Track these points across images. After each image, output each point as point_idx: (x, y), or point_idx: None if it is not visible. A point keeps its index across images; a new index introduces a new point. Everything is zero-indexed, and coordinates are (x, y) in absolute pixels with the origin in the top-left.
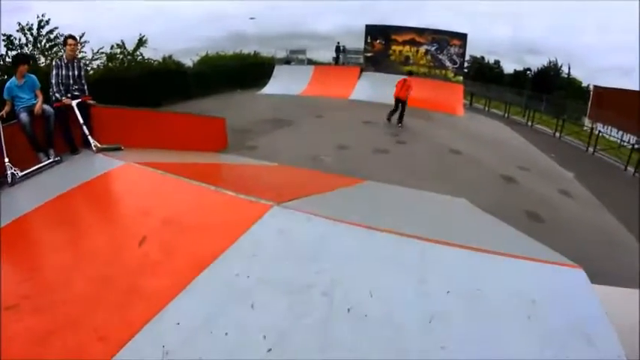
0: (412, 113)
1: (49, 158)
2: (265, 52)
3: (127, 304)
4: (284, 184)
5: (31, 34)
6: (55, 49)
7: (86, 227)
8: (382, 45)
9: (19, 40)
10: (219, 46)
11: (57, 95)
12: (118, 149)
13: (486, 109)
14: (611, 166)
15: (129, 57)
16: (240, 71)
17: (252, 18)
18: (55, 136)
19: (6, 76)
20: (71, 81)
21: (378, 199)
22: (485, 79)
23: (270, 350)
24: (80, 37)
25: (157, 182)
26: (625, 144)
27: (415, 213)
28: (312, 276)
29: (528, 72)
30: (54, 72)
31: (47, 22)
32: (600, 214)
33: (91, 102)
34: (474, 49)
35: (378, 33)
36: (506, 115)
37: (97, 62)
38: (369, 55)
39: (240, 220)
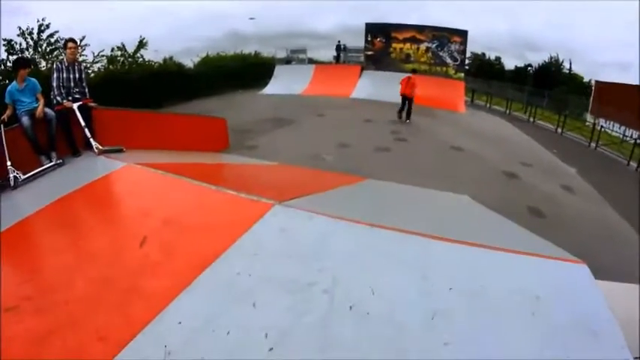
0: (414, 111)
1: (51, 161)
2: (266, 52)
3: (128, 304)
4: (285, 183)
5: (32, 39)
6: (55, 53)
7: (88, 229)
8: (383, 43)
9: (20, 44)
10: (220, 46)
11: (58, 98)
12: (120, 151)
13: (488, 105)
14: (614, 161)
15: (130, 59)
16: (241, 71)
17: (251, 18)
18: (56, 139)
19: (7, 81)
20: (72, 84)
21: (379, 197)
22: (486, 76)
23: (271, 349)
24: (80, 41)
25: (159, 183)
26: (627, 139)
27: (417, 210)
28: (314, 274)
29: (529, 68)
30: (55, 75)
31: (47, 26)
32: (603, 210)
33: (92, 104)
34: (474, 45)
35: (378, 31)
36: (507, 111)
37: (98, 65)
38: (369, 53)
39: (242, 219)
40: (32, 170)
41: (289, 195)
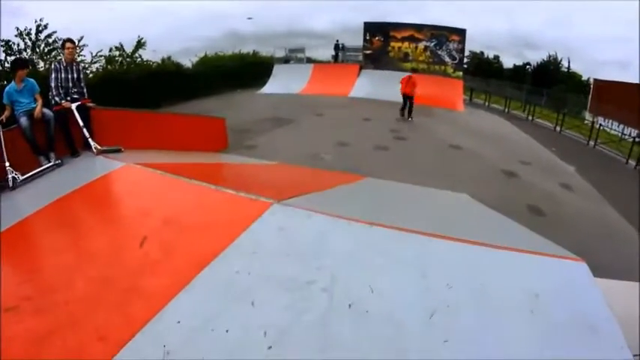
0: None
1: (49, 161)
2: (264, 51)
3: (127, 303)
4: (284, 182)
5: (30, 39)
6: (53, 53)
7: (87, 229)
8: (381, 42)
9: (18, 45)
10: (218, 46)
11: (56, 99)
12: (118, 151)
13: (486, 104)
14: (612, 159)
15: (128, 59)
16: (240, 71)
17: (249, 18)
18: (55, 140)
19: (5, 81)
20: (70, 84)
21: (378, 195)
22: (484, 75)
23: (270, 347)
24: (79, 41)
25: (157, 182)
26: (626, 137)
27: (416, 209)
28: (313, 272)
29: (528, 66)
30: (53, 75)
31: (45, 26)
32: (602, 208)
33: (91, 104)
34: (473, 44)
35: (376, 30)
36: (506, 109)
37: (96, 65)
38: (368, 52)
39: (240, 218)
40: (31, 171)
41: (288, 194)
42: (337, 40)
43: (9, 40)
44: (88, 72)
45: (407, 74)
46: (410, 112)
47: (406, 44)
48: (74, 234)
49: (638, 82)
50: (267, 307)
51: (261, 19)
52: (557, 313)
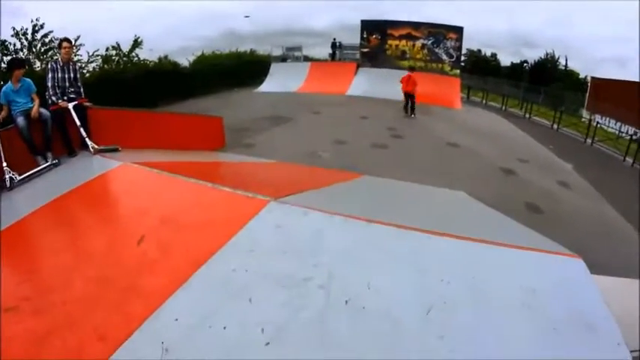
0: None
1: (46, 161)
2: (261, 49)
3: (125, 302)
4: (281, 180)
5: (26, 39)
6: (50, 53)
7: (85, 228)
8: (378, 40)
9: (14, 45)
10: (215, 44)
11: (53, 98)
12: (116, 150)
13: (484, 102)
14: (610, 157)
15: (124, 58)
16: (237, 70)
17: (246, 16)
18: (52, 139)
19: (2, 82)
20: (67, 84)
21: (376, 193)
22: (482, 72)
23: (268, 344)
24: (75, 40)
25: (155, 181)
26: (623, 135)
27: (414, 206)
28: (310, 269)
29: (525, 64)
30: (50, 75)
31: (42, 26)
32: (599, 205)
33: (88, 104)
34: (470, 42)
35: (374, 28)
36: (503, 107)
37: (93, 64)
38: (365, 50)
39: (238, 215)
40: (28, 171)
41: (285, 191)
42: (334, 39)
43: (5, 40)
44: (84, 71)
45: (405, 72)
46: (412, 109)
47: (403, 42)
48: (72, 233)
49: (637, 79)
50: (265, 304)
51: (258, 17)
52: (553, 309)
